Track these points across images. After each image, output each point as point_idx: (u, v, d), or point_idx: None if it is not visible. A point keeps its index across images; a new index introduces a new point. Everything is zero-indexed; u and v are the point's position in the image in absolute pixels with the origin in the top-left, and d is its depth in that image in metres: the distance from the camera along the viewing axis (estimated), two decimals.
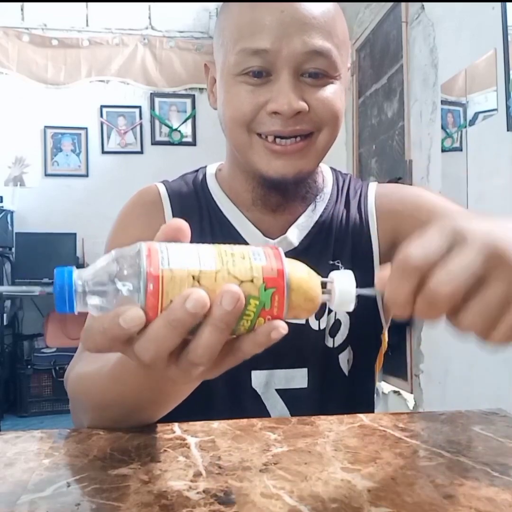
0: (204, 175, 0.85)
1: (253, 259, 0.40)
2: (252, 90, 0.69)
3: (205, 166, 0.87)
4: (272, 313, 0.40)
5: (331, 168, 0.88)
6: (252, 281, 0.39)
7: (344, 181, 0.86)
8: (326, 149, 0.74)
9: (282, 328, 0.40)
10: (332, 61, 0.70)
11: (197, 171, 0.87)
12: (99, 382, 0.58)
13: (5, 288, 0.44)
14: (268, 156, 0.71)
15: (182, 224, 0.42)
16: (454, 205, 0.81)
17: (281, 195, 0.75)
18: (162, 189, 0.82)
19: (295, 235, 0.79)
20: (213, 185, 0.83)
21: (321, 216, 0.81)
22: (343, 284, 0.43)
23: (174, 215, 0.79)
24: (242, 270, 0.39)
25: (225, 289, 0.38)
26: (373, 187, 0.86)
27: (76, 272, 0.39)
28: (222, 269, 0.39)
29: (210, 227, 0.79)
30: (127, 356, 0.42)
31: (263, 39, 0.68)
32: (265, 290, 0.39)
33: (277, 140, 0.70)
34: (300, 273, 0.42)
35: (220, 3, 0.78)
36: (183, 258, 0.39)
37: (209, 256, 0.40)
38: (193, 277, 0.38)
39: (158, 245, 0.40)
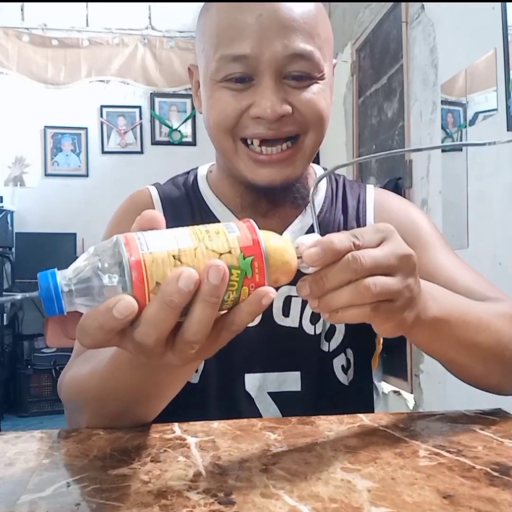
0: (195, 177, 0.84)
1: (228, 232, 0.41)
2: (234, 95, 0.69)
3: (196, 168, 0.86)
4: (255, 280, 0.41)
5: (324, 169, 0.87)
6: (230, 252, 0.41)
7: (337, 182, 0.85)
8: (313, 152, 0.73)
9: (271, 292, 0.41)
10: (314, 62, 0.68)
11: (188, 173, 0.86)
12: (93, 380, 0.58)
13: None
14: (253, 165, 0.70)
15: (156, 214, 0.43)
16: (447, 244, 0.80)
17: (269, 201, 0.74)
18: (154, 192, 0.82)
19: None
20: (204, 187, 0.82)
21: (317, 218, 0.80)
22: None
23: (166, 218, 0.79)
24: (219, 243, 0.41)
25: (209, 264, 0.39)
26: (371, 193, 0.84)
27: (59, 273, 0.40)
28: (200, 245, 0.40)
29: None
30: (124, 348, 0.42)
31: (243, 45, 0.66)
32: (244, 258, 0.41)
33: (263, 148, 0.69)
34: (274, 239, 0.44)
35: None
36: (161, 241, 0.40)
37: (184, 236, 0.41)
38: (174, 257, 0.39)
39: (134, 233, 0.41)
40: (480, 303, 0.67)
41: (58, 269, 0.41)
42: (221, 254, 0.40)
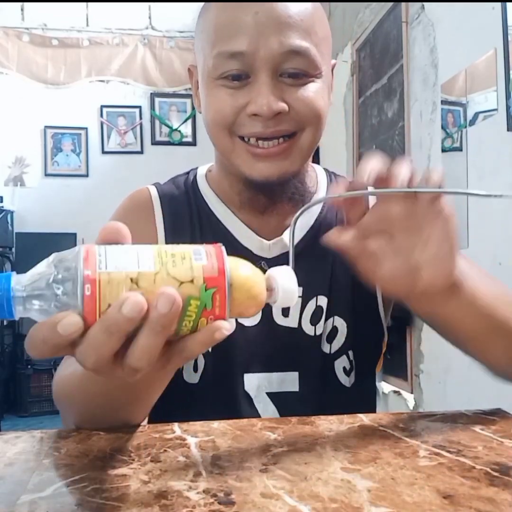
0: (195, 177, 0.84)
1: (194, 259, 0.40)
2: (231, 93, 0.69)
3: (196, 168, 0.87)
4: (214, 313, 0.40)
5: (325, 169, 0.87)
6: (192, 281, 0.39)
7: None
8: (310, 149, 0.73)
9: (225, 329, 0.40)
10: (311, 59, 0.69)
11: (188, 173, 0.86)
12: (75, 383, 0.58)
13: None
14: (250, 160, 0.71)
15: (120, 227, 0.42)
16: None
17: (267, 197, 0.74)
18: (154, 192, 0.82)
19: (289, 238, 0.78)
20: (204, 187, 0.82)
21: (317, 219, 0.80)
22: (285, 281, 0.44)
23: (164, 218, 0.79)
24: (182, 270, 0.39)
25: (160, 292, 0.37)
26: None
27: (15, 278, 0.39)
28: (161, 270, 0.39)
29: (201, 228, 0.79)
30: (75, 358, 0.41)
31: (239, 42, 0.67)
32: (205, 290, 0.39)
33: (260, 142, 0.70)
34: (242, 271, 0.42)
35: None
36: (122, 260, 0.38)
37: (148, 257, 0.39)
38: (131, 280, 0.38)
39: (97, 247, 0.39)
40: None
41: (18, 273, 0.39)
42: (182, 282, 0.39)
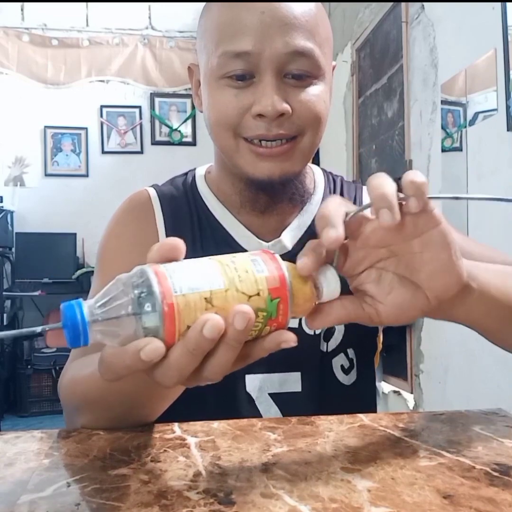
0: (194, 178, 0.84)
1: (256, 271, 0.41)
2: (236, 94, 0.69)
3: (194, 169, 0.87)
4: (278, 320, 0.42)
5: (322, 169, 0.88)
6: (258, 294, 0.41)
7: (335, 183, 0.86)
8: (311, 151, 0.74)
9: (292, 341, 0.42)
10: (314, 60, 0.69)
11: (186, 174, 0.86)
12: (96, 383, 0.58)
13: (7, 333, 0.43)
14: (253, 159, 0.71)
15: (178, 242, 0.43)
16: (454, 229, 0.80)
17: (268, 197, 0.74)
18: (153, 193, 0.82)
19: (288, 238, 0.78)
20: (202, 188, 0.82)
21: (314, 219, 0.80)
22: (329, 279, 0.46)
23: (165, 219, 0.79)
24: (249, 284, 0.41)
25: (236, 310, 0.39)
26: (366, 193, 0.85)
27: (85, 304, 0.39)
28: (231, 287, 0.40)
29: (201, 229, 0.79)
30: (152, 378, 0.42)
31: (245, 41, 0.67)
32: (271, 301, 0.41)
33: (263, 142, 0.70)
34: (298, 277, 0.44)
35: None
36: (192, 280, 0.40)
37: (215, 274, 0.40)
38: (205, 299, 0.39)
39: (164, 268, 0.40)
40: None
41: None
42: (250, 296, 0.41)
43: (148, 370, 0.41)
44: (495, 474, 0.46)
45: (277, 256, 0.43)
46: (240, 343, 0.40)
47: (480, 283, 0.53)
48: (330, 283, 0.46)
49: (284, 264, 0.43)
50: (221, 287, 0.40)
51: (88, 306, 0.39)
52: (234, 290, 0.40)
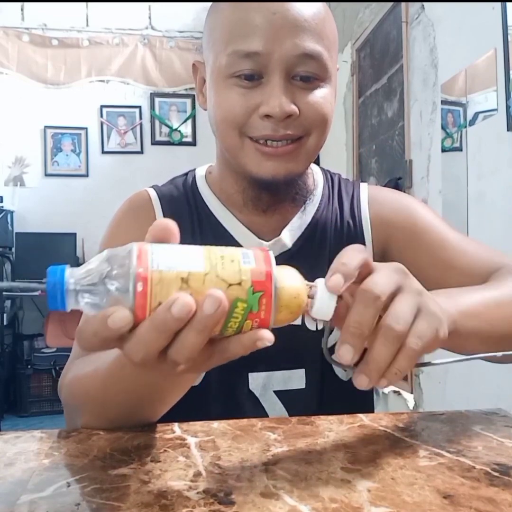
0: (194, 178, 0.84)
1: (242, 262, 0.41)
2: (243, 93, 0.69)
3: (194, 169, 0.87)
4: (260, 316, 0.41)
5: (321, 168, 0.88)
6: (240, 284, 0.40)
7: (333, 181, 0.87)
8: (316, 152, 0.74)
9: (267, 340, 0.41)
10: (322, 63, 0.69)
11: (186, 174, 0.86)
12: (96, 382, 0.58)
13: (5, 284, 0.44)
14: (258, 158, 0.71)
15: (169, 224, 0.43)
16: (444, 222, 0.82)
17: (271, 196, 0.75)
18: (153, 194, 0.82)
19: (288, 237, 0.79)
20: (203, 187, 0.82)
21: (313, 217, 0.81)
22: (325, 292, 0.44)
23: (166, 219, 0.79)
24: (231, 273, 0.40)
25: (208, 294, 0.38)
26: (365, 190, 0.85)
27: (68, 270, 0.40)
28: (211, 272, 0.40)
29: (201, 229, 0.79)
30: (123, 352, 0.43)
31: (255, 42, 0.67)
32: (253, 293, 0.40)
33: (268, 142, 0.70)
34: (288, 277, 0.43)
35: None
36: (173, 260, 0.39)
37: (198, 258, 0.40)
38: (182, 279, 0.39)
39: (150, 246, 0.40)
40: (490, 285, 0.68)
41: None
42: (230, 284, 0.40)
43: (118, 343, 0.41)
44: (495, 474, 0.46)
45: (271, 255, 0.42)
46: (207, 328, 0.39)
47: (464, 323, 0.55)
48: (324, 301, 0.44)
49: (277, 266, 0.42)
50: (200, 270, 0.39)
51: (71, 273, 0.40)
52: (214, 275, 0.39)
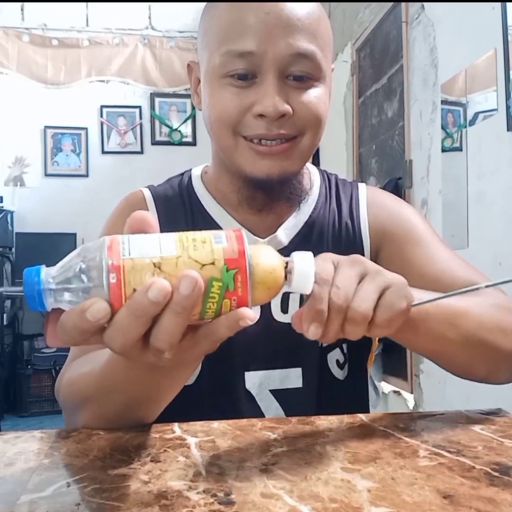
0: (190, 178, 0.85)
1: (215, 243, 0.41)
2: (237, 93, 0.69)
3: (190, 169, 0.87)
4: (237, 293, 0.41)
5: (318, 168, 0.88)
6: (213, 263, 0.40)
7: (330, 181, 0.87)
8: (310, 151, 0.74)
9: (249, 319, 0.41)
10: (316, 63, 0.69)
11: (182, 174, 0.87)
12: (91, 381, 0.58)
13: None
14: (253, 157, 0.71)
15: (146, 216, 0.43)
16: (438, 237, 0.82)
17: (266, 195, 0.75)
18: (147, 194, 0.83)
19: (284, 235, 0.79)
20: (199, 187, 0.83)
21: (310, 216, 0.81)
22: (302, 265, 0.45)
23: (160, 219, 0.79)
24: (203, 254, 0.40)
25: (183, 274, 0.39)
26: (363, 191, 0.85)
27: (44, 270, 0.40)
28: (183, 254, 0.40)
29: (196, 228, 0.79)
30: (105, 346, 0.43)
31: (249, 41, 0.67)
32: (227, 271, 0.40)
33: (262, 141, 0.71)
34: (261, 252, 0.43)
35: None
36: (144, 247, 0.40)
37: (170, 243, 0.40)
38: (154, 264, 0.39)
39: (121, 237, 0.41)
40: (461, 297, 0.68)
41: (47, 266, 0.41)
42: (203, 265, 0.40)
43: (99, 335, 0.41)
44: (495, 474, 0.46)
45: (243, 233, 0.42)
46: (185, 310, 0.39)
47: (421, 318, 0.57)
48: (302, 269, 0.45)
49: (251, 245, 0.42)
50: (172, 254, 0.40)
51: (46, 272, 0.40)
52: (186, 257, 0.40)
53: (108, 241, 0.40)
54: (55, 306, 0.41)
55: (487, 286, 0.54)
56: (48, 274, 0.40)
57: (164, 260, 0.39)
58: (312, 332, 0.49)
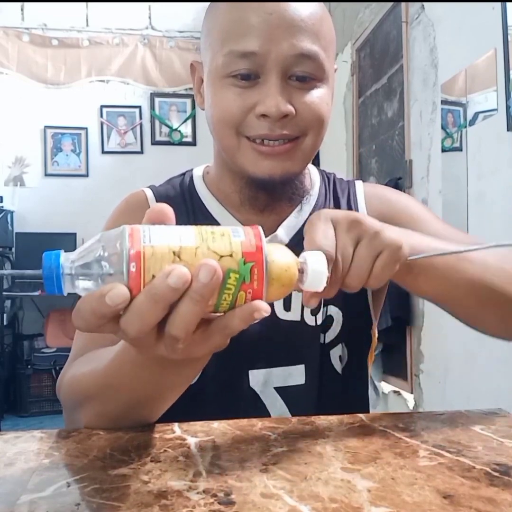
0: (191, 178, 0.85)
1: (233, 236, 0.42)
2: (240, 93, 0.69)
3: (191, 169, 0.87)
4: (253, 286, 0.41)
5: (317, 168, 0.89)
6: (231, 255, 0.41)
7: (329, 180, 0.87)
8: (312, 152, 0.74)
9: (264, 310, 0.42)
10: (319, 63, 0.69)
11: (183, 174, 0.87)
12: (95, 379, 0.58)
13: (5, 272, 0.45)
14: (255, 157, 0.71)
15: (165, 208, 0.44)
16: (439, 219, 0.82)
17: (268, 195, 0.75)
18: (149, 194, 0.83)
19: (284, 235, 0.79)
20: (200, 187, 0.83)
21: (310, 215, 0.81)
22: (315, 264, 0.46)
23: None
24: (222, 245, 0.41)
25: (202, 263, 0.39)
26: (360, 187, 0.86)
27: (63, 255, 0.41)
28: (202, 245, 0.41)
29: None
30: (118, 336, 0.43)
31: (252, 42, 0.67)
32: (244, 264, 0.41)
33: (265, 141, 0.71)
34: (277, 250, 0.44)
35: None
36: (164, 236, 0.41)
37: (189, 234, 0.41)
38: (174, 253, 0.40)
39: (141, 226, 0.41)
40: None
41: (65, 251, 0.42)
42: (221, 256, 0.40)
43: (115, 323, 0.41)
44: (495, 474, 0.46)
45: (260, 230, 0.43)
46: (203, 298, 0.39)
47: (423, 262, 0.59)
48: (315, 268, 0.46)
49: (267, 243, 0.43)
50: (192, 244, 0.40)
51: (65, 257, 0.41)
52: (205, 248, 0.40)
53: (128, 229, 0.40)
54: (72, 291, 0.41)
55: (491, 247, 0.55)
56: (67, 259, 0.41)
57: (183, 249, 0.40)
58: (311, 302, 0.51)
